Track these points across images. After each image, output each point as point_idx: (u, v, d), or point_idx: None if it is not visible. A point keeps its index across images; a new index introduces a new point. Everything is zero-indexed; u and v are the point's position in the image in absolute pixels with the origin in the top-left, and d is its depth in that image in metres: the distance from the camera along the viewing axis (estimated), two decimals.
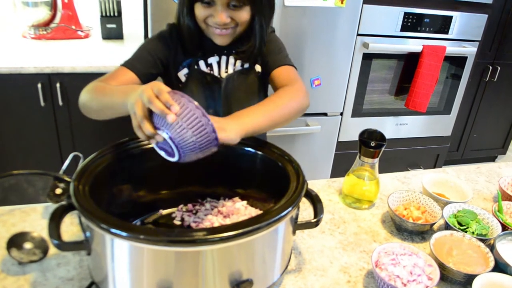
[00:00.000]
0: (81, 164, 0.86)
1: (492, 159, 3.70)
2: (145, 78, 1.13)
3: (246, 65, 1.25)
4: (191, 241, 0.71)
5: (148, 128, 0.76)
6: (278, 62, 1.22)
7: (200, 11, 1.10)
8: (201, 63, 1.22)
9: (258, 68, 1.27)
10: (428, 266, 0.94)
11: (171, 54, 1.20)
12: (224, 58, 1.23)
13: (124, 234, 0.70)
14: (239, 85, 1.24)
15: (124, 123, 2.16)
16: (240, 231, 0.72)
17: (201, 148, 0.77)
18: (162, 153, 0.82)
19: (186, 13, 1.13)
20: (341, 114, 2.48)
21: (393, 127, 2.71)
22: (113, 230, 0.70)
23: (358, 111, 2.55)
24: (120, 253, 0.75)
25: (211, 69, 1.23)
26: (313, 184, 1.30)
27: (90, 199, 0.77)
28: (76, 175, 0.82)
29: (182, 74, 1.22)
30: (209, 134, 0.77)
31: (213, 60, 1.23)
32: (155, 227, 0.97)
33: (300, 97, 1.09)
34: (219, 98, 1.23)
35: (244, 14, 1.10)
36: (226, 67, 1.24)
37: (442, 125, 2.86)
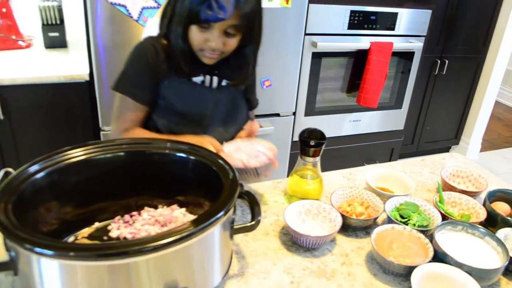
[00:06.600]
0: (4, 181, 0.82)
1: (447, 149, 3.81)
2: (148, 104, 1.21)
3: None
4: (118, 254, 0.68)
5: None
6: (256, 103, 1.45)
7: (196, 35, 1.11)
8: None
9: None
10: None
11: (157, 73, 1.19)
12: (208, 77, 1.24)
13: (49, 252, 0.67)
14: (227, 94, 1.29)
15: (69, 133, 2.10)
16: (171, 239, 0.70)
17: None
18: None
19: (181, 35, 1.12)
20: (294, 114, 2.49)
21: (347, 124, 2.74)
22: (38, 250, 0.67)
23: (311, 110, 2.56)
24: (48, 272, 0.71)
25: None
26: (258, 186, 1.29)
27: (12, 217, 0.74)
28: None
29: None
30: None
31: (197, 79, 1.23)
32: (88, 241, 0.93)
33: None
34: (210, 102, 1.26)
35: (234, 42, 1.15)
36: (210, 85, 1.26)
37: (394, 120, 2.92)
